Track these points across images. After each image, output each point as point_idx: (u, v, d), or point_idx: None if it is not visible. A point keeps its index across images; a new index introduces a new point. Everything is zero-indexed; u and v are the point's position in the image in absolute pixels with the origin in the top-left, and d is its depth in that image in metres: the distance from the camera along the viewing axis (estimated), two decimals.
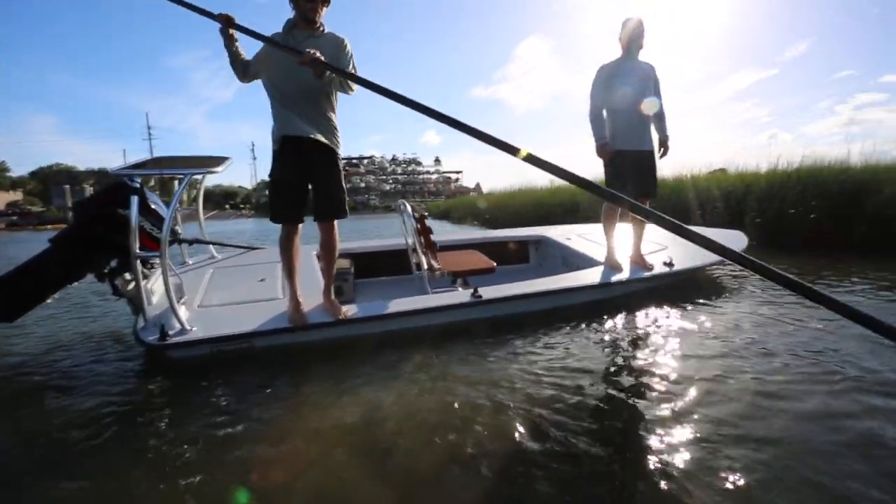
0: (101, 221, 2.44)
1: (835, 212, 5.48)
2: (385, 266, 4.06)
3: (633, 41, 3.19)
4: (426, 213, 2.83)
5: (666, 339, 2.49)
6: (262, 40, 2.21)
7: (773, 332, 2.49)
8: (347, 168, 67.67)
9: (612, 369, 2.17)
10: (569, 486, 1.35)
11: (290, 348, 2.52)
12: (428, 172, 77.32)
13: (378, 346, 2.54)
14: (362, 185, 64.19)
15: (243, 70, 2.44)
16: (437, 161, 74.64)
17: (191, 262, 3.47)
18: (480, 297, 2.71)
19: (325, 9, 2.40)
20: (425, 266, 2.89)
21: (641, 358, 2.27)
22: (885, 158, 6.29)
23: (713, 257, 3.35)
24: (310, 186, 2.51)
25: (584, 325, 2.72)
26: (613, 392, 1.93)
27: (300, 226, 2.56)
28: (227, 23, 2.26)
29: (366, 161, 67.56)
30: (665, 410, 1.73)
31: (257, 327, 2.45)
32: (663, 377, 2.02)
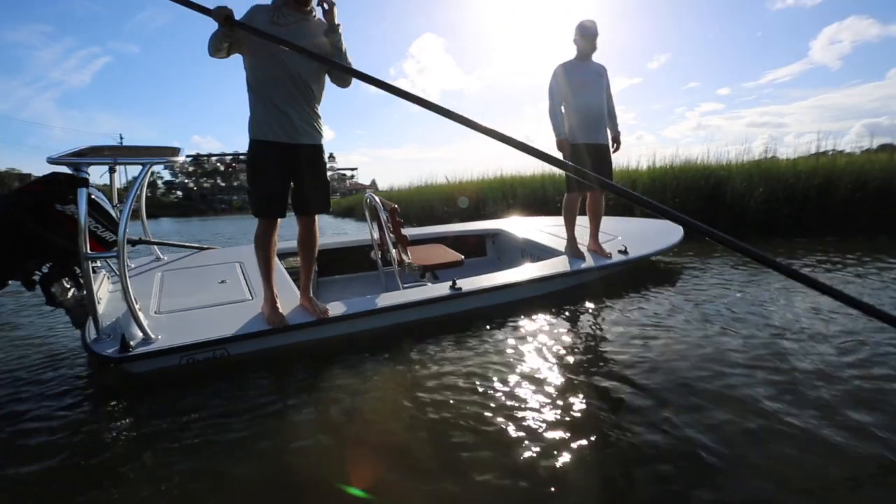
0: (34, 219, 2.14)
1: (703, 202, 6.57)
2: (346, 263, 3.95)
3: (587, 43, 3.43)
4: (397, 207, 2.83)
5: (634, 322, 2.66)
6: (271, 40, 2.10)
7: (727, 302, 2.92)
8: (235, 164, 62.69)
9: (602, 358, 2.23)
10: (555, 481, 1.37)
11: (267, 353, 2.37)
12: None
13: (357, 343, 2.47)
14: None
15: (226, 52, 2.22)
16: (332, 157, 72.44)
17: (132, 265, 3.13)
18: (460, 289, 2.74)
19: None
20: (397, 260, 2.87)
21: (621, 345, 2.35)
22: (726, 158, 7.76)
23: (663, 244, 3.76)
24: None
25: (557, 312, 2.85)
26: (607, 381, 1.97)
27: (279, 221, 2.42)
28: (226, 21, 2.07)
29: None
30: (648, 396, 1.81)
31: (233, 332, 2.29)
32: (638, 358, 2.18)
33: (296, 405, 1.90)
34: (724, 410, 1.68)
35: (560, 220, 3.80)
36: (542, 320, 2.72)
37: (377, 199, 2.88)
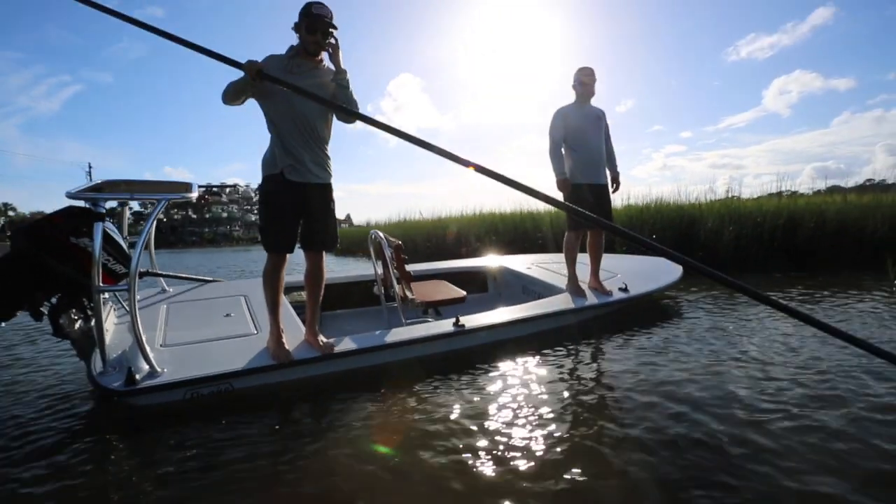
0: (48, 251, 2.16)
1: (678, 240, 6.90)
2: (349, 298, 3.96)
3: (586, 88, 3.56)
4: (401, 243, 2.89)
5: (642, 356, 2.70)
6: (295, 90, 2.23)
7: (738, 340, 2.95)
8: (207, 196, 61.94)
9: (605, 395, 2.24)
10: None
11: (271, 388, 2.38)
12: None
13: (362, 379, 2.48)
14: (224, 215, 59.13)
15: (243, 101, 2.36)
16: None
17: (138, 297, 3.10)
18: (463, 326, 2.74)
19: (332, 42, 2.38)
20: (400, 296, 2.90)
21: (623, 380, 2.37)
22: (695, 197, 8.23)
23: (662, 282, 3.82)
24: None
25: (559, 349, 2.85)
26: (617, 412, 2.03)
27: (288, 256, 2.49)
28: (258, 76, 2.20)
29: (228, 190, 62.52)
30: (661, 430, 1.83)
31: (238, 366, 2.29)
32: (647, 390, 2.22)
33: (299, 442, 1.89)
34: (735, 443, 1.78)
35: (559, 256, 3.89)
36: (543, 357, 2.74)
37: (382, 235, 2.95)
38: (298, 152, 2.35)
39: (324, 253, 2.55)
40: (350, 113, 2.36)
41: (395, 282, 2.86)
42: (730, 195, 8.40)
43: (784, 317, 3.31)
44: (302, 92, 2.24)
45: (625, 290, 3.55)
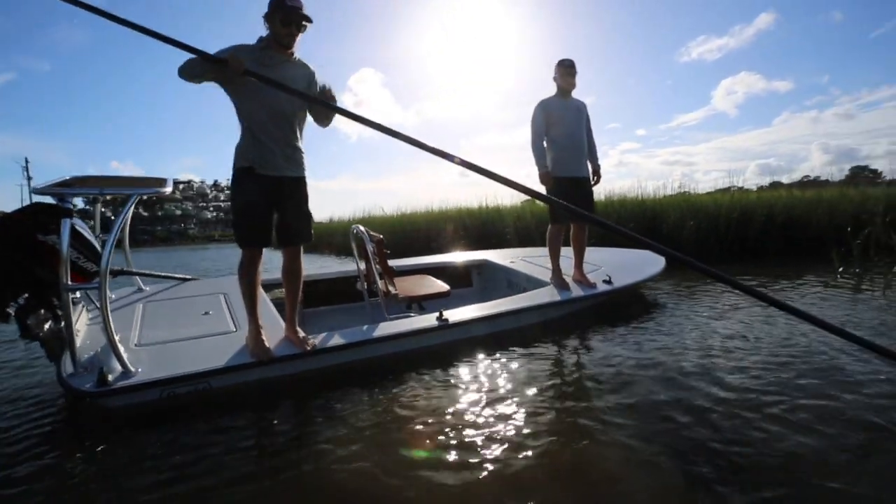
0: (14, 249, 2.04)
1: (643, 233, 7.16)
2: (332, 294, 3.90)
3: (566, 80, 3.54)
4: (383, 238, 2.88)
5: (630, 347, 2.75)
6: (282, 89, 2.20)
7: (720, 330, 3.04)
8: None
9: (591, 386, 2.28)
10: None
11: (251, 386, 2.33)
12: None
13: (344, 375, 2.45)
14: (178, 212, 56.70)
15: (201, 81, 2.27)
16: None
17: (113, 296, 2.95)
18: (447, 320, 2.73)
19: (300, 35, 2.36)
20: (383, 292, 2.89)
21: (607, 372, 2.40)
22: (653, 192, 8.61)
23: (645, 274, 3.85)
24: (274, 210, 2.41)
25: (544, 342, 2.87)
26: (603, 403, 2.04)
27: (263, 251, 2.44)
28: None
29: (182, 186, 59.96)
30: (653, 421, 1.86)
31: (215, 364, 2.24)
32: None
33: (281, 440, 1.88)
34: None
35: (542, 250, 3.88)
36: (528, 351, 2.75)
37: (364, 230, 2.93)
38: (271, 146, 2.30)
39: (301, 248, 2.52)
40: (331, 108, 2.34)
41: (377, 277, 2.84)
42: (682, 190, 8.88)
43: (757, 303, 3.50)
44: (288, 90, 2.20)
45: (609, 282, 3.57)
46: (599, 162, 3.76)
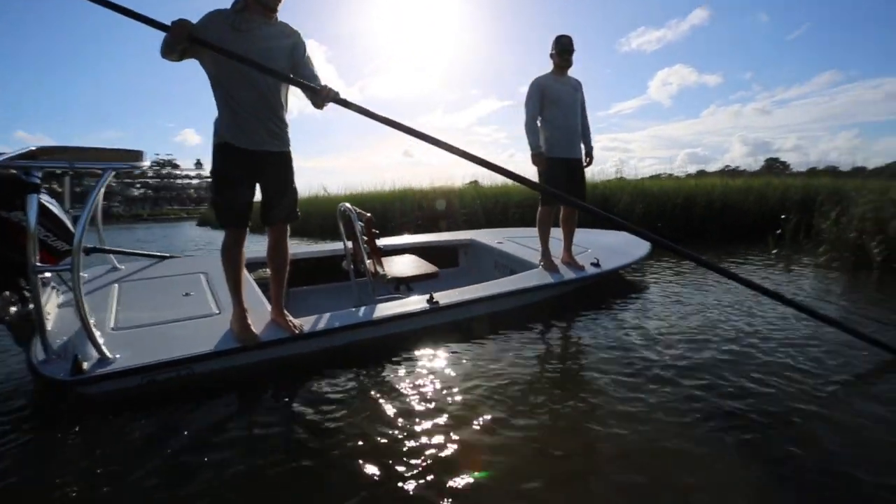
0: None
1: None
2: (317, 274, 3.74)
3: (563, 58, 3.42)
4: (372, 217, 2.81)
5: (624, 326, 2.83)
6: (233, 57, 2.00)
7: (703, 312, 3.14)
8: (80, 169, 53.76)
9: (583, 366, 2.32)
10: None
11: (236, 371, 2.23)
12: (188, 177, 68.01)
13: (331, 359, 2.39)
14: None
15: (179, 57, 2.09)
16: (199, 164, 66.38)
17: (86, 276, 2.69)
18: (437, 303, 2.68)
19: None
20: (371, 272, 2.82)
21: (598, 352, 2.45)
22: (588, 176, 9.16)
23: (632, 257, 3.84)
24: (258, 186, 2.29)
25: (532, 324, 2.89)
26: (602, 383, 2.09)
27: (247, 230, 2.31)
28: (189, 40, 1.96)
29: None
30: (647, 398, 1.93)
31: (199, 349, 2.13)
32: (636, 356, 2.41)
33: (265, 429, 1.83)
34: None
35: (529, 230, 3.84)
36: (519, 333, 2.76)
37: (352, 208, 2.85)
38: (252, 119, 2.14)
39: (287, 228, 2.41)
40: (308, 88, 2.19)
41: (365, 257, 2.78)
42: (619, 176, 9.46)
43: (733, 285, 3.60)
44: (244, 60, 2.02)
45: (597, 264, 3.55)
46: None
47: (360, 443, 1.69)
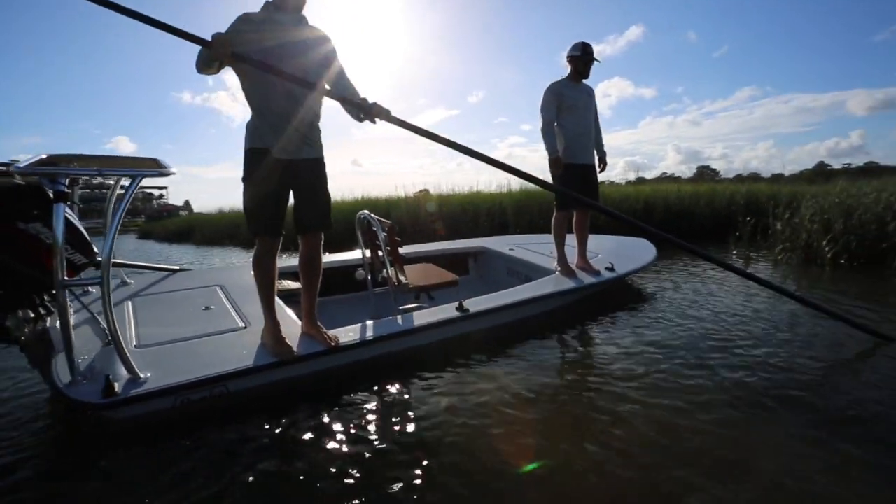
0: None
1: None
2: (330, 285, 3.54)
3: (583, 65, 3.45)
4: (395, 225, 2.73)
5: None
6: (271, 71, 1.98)
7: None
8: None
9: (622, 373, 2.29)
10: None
11: (272, 388, 2.14)
12: (123, 187, 63.87)
13: (365, 372, 2.33)
14: None
15: (210, 66, 2.01)
16: None
17: (94, 292, 2.47)
18: (468, 310, 2.64)
19: None
20: (393, 281, 2.77)
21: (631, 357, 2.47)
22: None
23: (643, 260, 3.87)
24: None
25: (557, 329, 2.92)
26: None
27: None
28: (230, 57, 1.92)
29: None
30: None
31: (235, 366, 2.02)
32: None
33: (303, 449, 1.75)
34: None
35: (538, 237, 3.87)
36: (546, 339, 2.77)
37: (374, 217, 2.79)
38: (285, 124, 2.09)
39: (321, 236, 2.34)
40: (357, 106, 2.18)
41: (388, 265, 2.75)
42: None
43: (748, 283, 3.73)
44: (283, 75, 2.01)
45: (611, 269, 3.55)
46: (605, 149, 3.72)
47: (409, 456, 1.65)
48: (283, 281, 2.94)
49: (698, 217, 8.22)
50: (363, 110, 2.18)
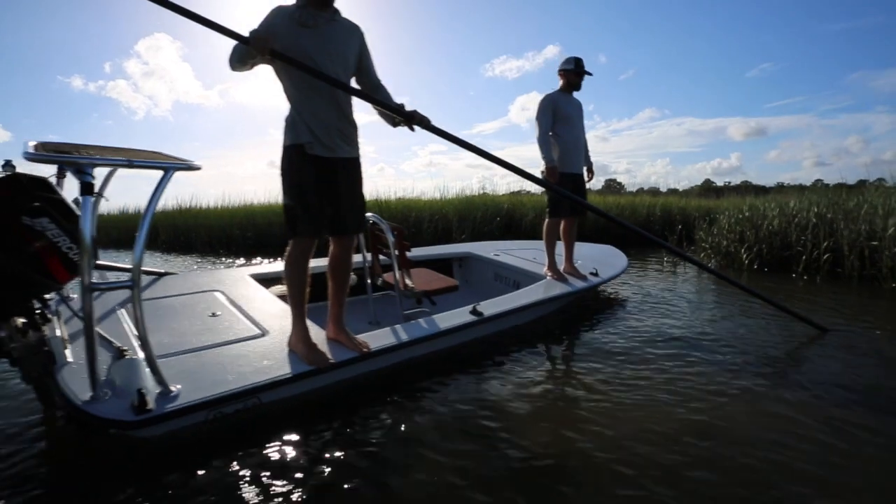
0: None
1: (506, 227, 8.18)
2: (325, 288, 3.36)
3: (577, 77, 3.57)
4: (403, 229, 2.68)
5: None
6: (311, 73, 1.94)
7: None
8: None
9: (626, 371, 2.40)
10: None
11: (304, 398, 2.04)
12: None
13: (388, 378, 2.30)
14: None
15: (245, 62, 1.95)
16: (8, 165, 54.11)
17: (74, 297, 2.11)
18: (482, 314, 2.65)
19: None
20: (401, 285, 2.72)
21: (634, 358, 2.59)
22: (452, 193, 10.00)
23: (619, 266, 4.05)
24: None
25: (557, 330, 3.05)
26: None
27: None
28: (270, 54, 1.87)
29: None
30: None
31: (268, 376, 1.89)
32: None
33: (351, 459, 1.69)
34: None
35: (519, 242, 4.01)
36: (553, 341, 2.88)
37: (383, 221, 2.72)
38: (322, 123, 2.02)
39: (353, 238, 2.27)
40: (397, 112, 2.16)
41: (396, 269, 2.71)
42: (483, 192, 10.57)
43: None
44: (333, 82, 1.99)
45: (596, 274, 3.69)
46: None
47: (449, 461, 1.66)
48: (278, 286, 2.83)
49: (652, 222, 8.95)
50: (404, 116, 2.16)
